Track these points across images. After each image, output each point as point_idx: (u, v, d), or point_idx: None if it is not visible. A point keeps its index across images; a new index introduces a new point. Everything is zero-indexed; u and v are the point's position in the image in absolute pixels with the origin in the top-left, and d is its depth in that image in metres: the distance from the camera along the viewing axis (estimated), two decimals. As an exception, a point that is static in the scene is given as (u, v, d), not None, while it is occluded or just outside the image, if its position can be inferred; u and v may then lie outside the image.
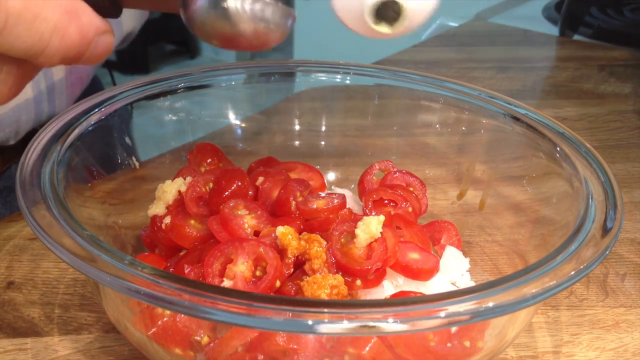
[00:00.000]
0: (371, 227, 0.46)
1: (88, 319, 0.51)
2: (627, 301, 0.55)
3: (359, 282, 0.46)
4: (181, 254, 0.49)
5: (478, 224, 0.59)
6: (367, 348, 0.40)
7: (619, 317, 0.54)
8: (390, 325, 0.32)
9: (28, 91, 0.66)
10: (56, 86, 0.70)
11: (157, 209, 0.50)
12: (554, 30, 1.28)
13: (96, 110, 0.51)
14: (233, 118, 0.64)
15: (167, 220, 0.49)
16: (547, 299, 0.44)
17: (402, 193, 0.55)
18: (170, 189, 0.51)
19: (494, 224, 0.58)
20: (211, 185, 0.51)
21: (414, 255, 0.48)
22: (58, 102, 0.71)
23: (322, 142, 0.66)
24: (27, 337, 0.49)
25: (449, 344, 0.42)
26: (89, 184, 0.50)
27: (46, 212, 0.39)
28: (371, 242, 0.46)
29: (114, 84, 0.93)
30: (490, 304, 0.34)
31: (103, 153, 0.53)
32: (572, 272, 0.37)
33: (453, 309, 0.33)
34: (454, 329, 0.42)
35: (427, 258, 0.49)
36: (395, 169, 0.60)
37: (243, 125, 0.65)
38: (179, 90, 0.57)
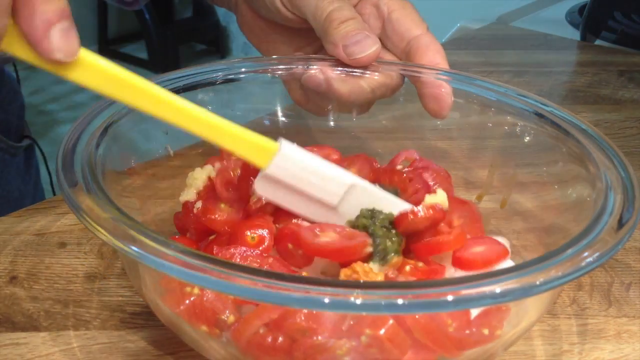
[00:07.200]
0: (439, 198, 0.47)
1: (86, 316, 0.51)
2: (630, 311, 0.54)
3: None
4: (211, 238, 0.51)
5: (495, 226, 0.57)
6: (383, 330, 0.39)
7: (621, 327, 0.52)
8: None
9: None
10: None
11: (189, 195, 0.52)
12: (577, 35, 1.26)
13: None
14: (263, 111, 0.65)
15: (199, 204, 0.51)
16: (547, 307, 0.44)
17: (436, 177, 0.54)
18: (200, 176, 0.53)
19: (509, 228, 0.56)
20: (239, 171, 0.52)
21: (479, 249, 0.47)
22: None
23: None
24: (26, 331, 0.49)
25: (467, 331, 0.42)
26: (126, 171, 0.52)
27: (86, 196, 0.40)
28: None
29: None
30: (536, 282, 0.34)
31: (139, 141, 0.54)
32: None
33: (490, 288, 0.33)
34: (473, 316, 0.43)
35: (493, 246, 0.47)
36: (419, 157, 0.58)
37: (274, 118, 0.65)
38: (216, 82, 0.58)
